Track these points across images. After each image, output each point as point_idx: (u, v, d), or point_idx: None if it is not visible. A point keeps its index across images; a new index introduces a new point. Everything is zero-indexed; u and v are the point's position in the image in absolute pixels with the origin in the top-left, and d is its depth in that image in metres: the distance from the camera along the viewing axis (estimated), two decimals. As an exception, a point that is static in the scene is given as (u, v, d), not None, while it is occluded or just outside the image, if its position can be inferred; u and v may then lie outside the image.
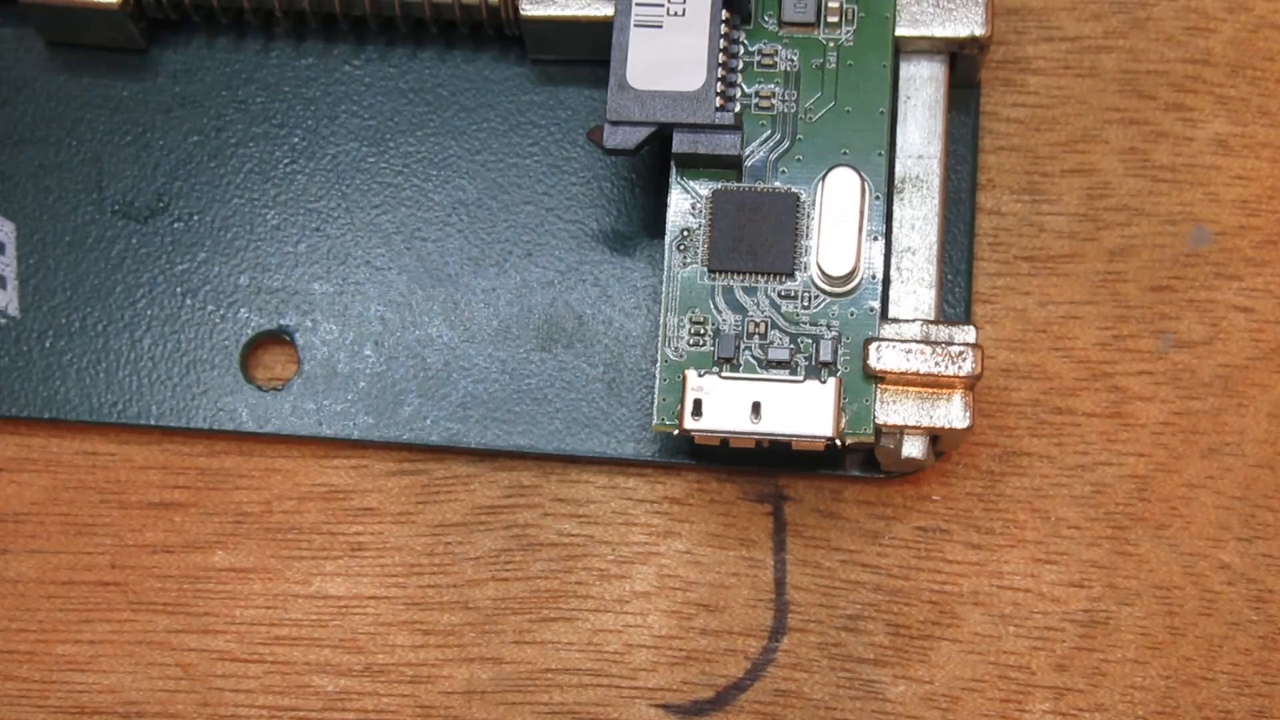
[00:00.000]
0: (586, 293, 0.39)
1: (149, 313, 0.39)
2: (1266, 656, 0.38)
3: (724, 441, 0.36)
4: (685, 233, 0.36)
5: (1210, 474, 0.38)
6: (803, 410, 0.35)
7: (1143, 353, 0.39)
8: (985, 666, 0.38)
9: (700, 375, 0.35)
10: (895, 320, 0.36)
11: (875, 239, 0.36)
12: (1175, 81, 0.40)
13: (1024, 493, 0.38)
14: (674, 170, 0.36)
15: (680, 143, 0.36)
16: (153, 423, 0.39)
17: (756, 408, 0.35)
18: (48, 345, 0.39)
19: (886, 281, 0.36)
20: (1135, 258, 0.39)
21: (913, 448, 0.35)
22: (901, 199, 0.37)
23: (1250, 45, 0.40)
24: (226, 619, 0.39)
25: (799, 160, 0.36)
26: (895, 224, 0.37)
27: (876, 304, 0.36)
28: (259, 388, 0.39)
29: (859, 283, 0.36)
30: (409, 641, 0.38)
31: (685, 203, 0.36)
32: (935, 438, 0.36)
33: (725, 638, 0.38)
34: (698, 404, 0.35)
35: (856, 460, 0.38)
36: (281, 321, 0.39)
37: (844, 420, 0.35)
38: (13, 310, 0.39)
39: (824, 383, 0.35)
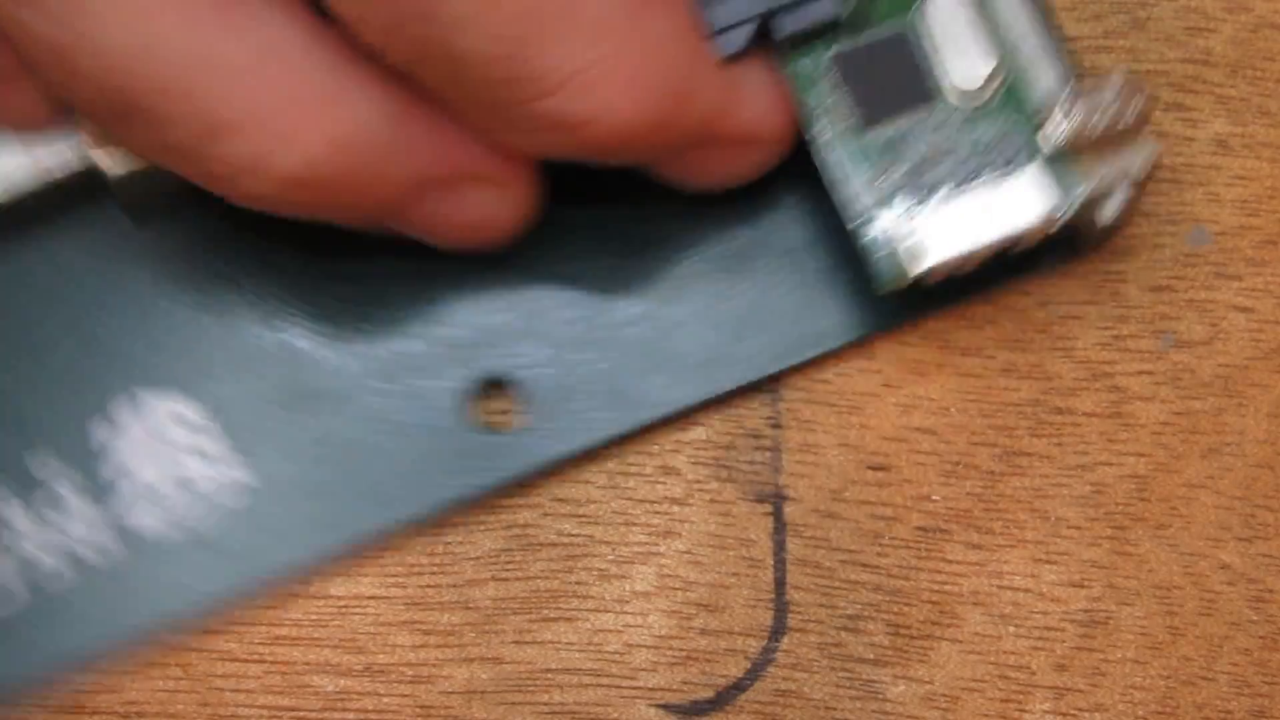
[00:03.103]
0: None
1: None
2: (1266, 656, 0.38)
3: (947, 279, 0.36)
4: (820, 105, 0.36)
5: (1210, 474, 0.38)
6: (1015, 204, 0.36)
7: (1143, 353, 0.39)
8: (985, 666, 0.38)
9: (902, 218, 0.36)
10: (1044, 104, 0.36)
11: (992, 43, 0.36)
12: (1175, 81, 0.40)
13: (1024, 493, 0.38)
14: (782, 52, 0.36)
15: (782, 26, 0.36)
16: None
17: (970, 224, 0.36)
18: None
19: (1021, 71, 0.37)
20: (1135, 258, 0.39)
21: (1115, 202, 0.36)
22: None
23: (1250, 45, 0.40)
24: (226, 619, 0.38)
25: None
26: (997, 27, 0.37)
27: (1023, 97, 0.36)
28: None
29: (999, 85, 0.36)
30: (409, 641, 0.38)
31: (808, 75, 0.37)
32: (1135, 186, 0.36)
33: (725, 638, 0.38)
34: (916, 248, 0.36)
35: (1055, 256, 0.39)
36: None
37: (1056, 200, 0.36)
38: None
39: (1021, 172, 0.36)
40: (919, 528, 0.38)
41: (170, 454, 0.37)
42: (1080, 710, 0.38)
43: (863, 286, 0.38)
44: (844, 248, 0.38)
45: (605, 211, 0.39)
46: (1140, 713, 0.38)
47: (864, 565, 0.38)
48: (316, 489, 0.37)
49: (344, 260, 0.38)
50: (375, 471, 0.38)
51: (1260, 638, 0.38)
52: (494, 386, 0.38)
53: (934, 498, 0.38)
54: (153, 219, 0.38)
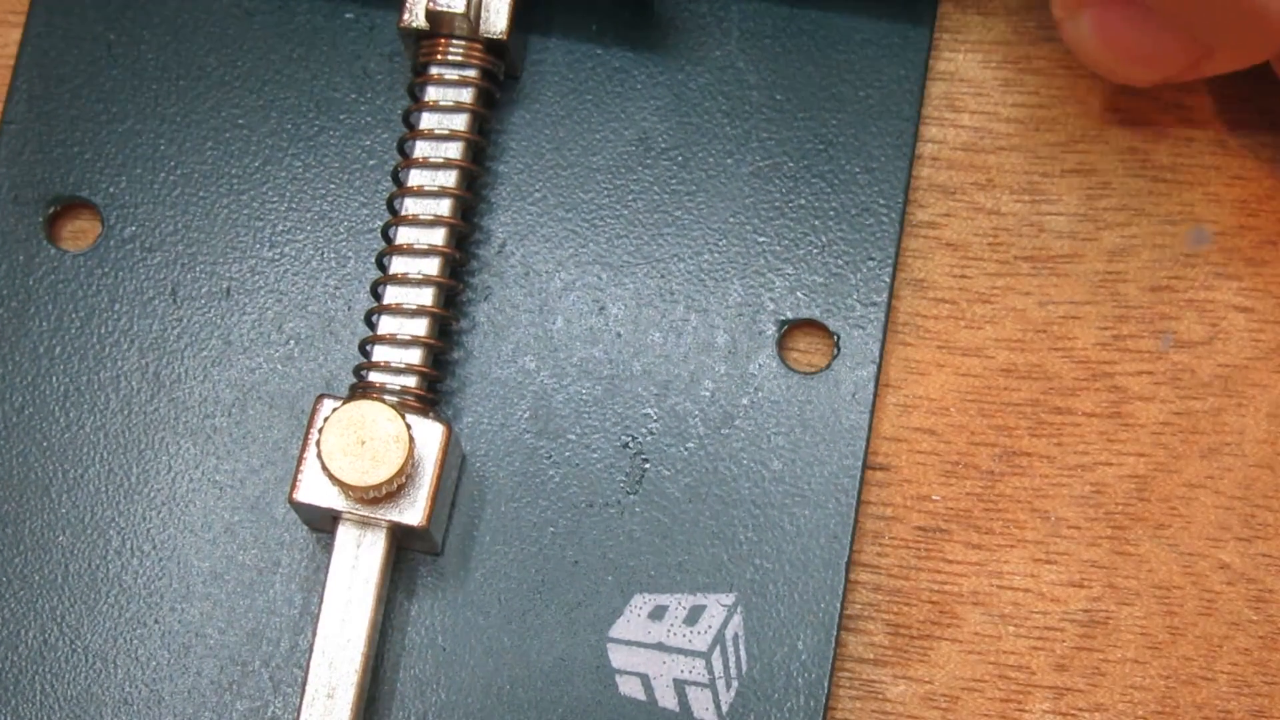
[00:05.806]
0: None
1: None
2: (1266, 656, 0.38)
3: None
4: None
5: (1210, 474, 0.38)
6: None
7: (1143, 353, 0.39)
8: (985, 666, 0.38)
9: None
10: None
11: None
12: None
13: (1024, 493, 0.38)
14: None
15: None
16: None
17: None
18: None
19: None
20: (1135, 258, 0.39)
21: None
22: None
23: (1250, 45, 0.40)
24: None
25: None
26: None
27: None
28: None
29: None
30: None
31: None
32: None
33: (725, 638, 0.38)
34: None
35: None
36: None
37: None
38: None
39: None
40: (919, 528, 0.38)
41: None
42: (1080, 710, 0.38)
43: None
44: None
45: None
46: (1140, 712, 0.38)
47: (864, 565, 0.38)
48: None
49: None
50: None
51: (1260, 638, 0.38)
52: None
53: (934, 498, 0.38)
54: None
